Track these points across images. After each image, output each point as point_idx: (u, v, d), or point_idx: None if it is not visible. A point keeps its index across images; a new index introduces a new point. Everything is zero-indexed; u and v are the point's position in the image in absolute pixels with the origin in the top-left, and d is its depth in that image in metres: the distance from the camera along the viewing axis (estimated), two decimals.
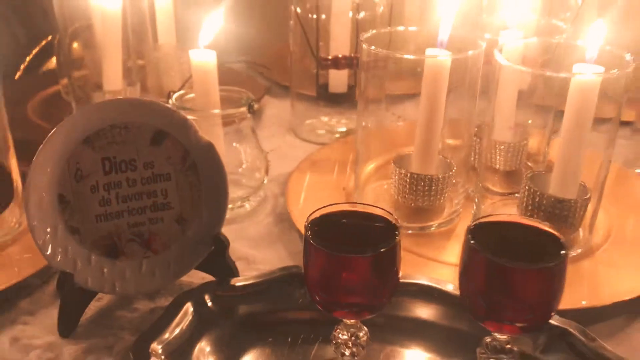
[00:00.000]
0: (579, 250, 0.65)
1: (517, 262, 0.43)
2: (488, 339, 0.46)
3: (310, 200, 0.73)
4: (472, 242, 0.43)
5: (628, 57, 0.61)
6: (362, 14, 0.85)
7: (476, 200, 0.71)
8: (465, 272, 0.45)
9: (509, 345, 0.46)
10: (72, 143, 0.54)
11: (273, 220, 0.72)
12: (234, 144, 0.73)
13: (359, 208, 0.48)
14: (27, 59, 1.24)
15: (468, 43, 0.66)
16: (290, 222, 0.70)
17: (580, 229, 0.67)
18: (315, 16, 0.85)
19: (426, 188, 0.70)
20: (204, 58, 0.69)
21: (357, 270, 0.43)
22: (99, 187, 0.56)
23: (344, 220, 0.48)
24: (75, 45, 0.95)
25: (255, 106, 0.69)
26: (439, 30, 0.66)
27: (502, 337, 0.46)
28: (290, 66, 0.92)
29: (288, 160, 0.84)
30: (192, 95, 0.70)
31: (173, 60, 1.03)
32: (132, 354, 0.49)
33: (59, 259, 0.54)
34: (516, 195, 0.70)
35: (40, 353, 0.53)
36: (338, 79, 0.88)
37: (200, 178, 0.59)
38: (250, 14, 1.13)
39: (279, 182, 0.79)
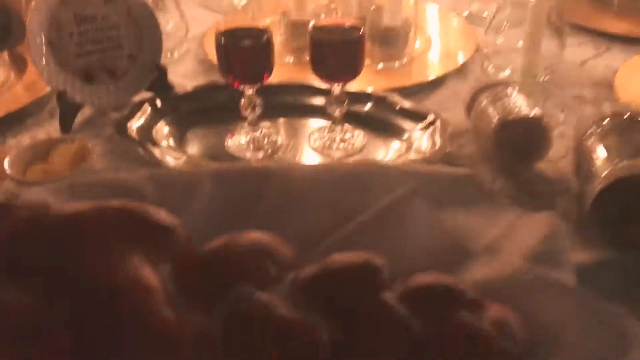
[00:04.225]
0: (405, 60, 0.98)
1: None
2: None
3: None
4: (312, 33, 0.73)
5: None
6: None
7: None
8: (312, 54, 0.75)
9: (343, 97, 0.77)
10: (52, 4, 0.80)
11: (197, 63, 1.01)
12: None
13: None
14: None
15: None
16: (207, 62, 0.98)
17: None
18: None
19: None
20: None
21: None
22: (74, 34, 0.82)
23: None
24: None
25: None
26: None
27: (336, 91, 0.76)
28: None
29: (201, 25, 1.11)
30: None
31: None
32: (115, 128, 0.78)
33: (54, 82, 0.81)
34: None
35: None
36: None
37: (141, 27, 0.86)
38: None
39: (197, 40, 1.07)
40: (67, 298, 0.40)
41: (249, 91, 0.76)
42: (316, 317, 0.42)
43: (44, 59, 0.81)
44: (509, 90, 0.76)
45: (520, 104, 0.73)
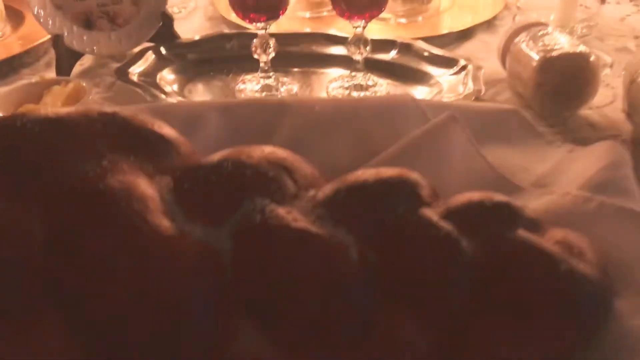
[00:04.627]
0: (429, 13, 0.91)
1: None
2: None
3: None
4: None
5: None
6: None
7: None
8: None
9: (366, 37, 0.70)
10: None
11: (205, 19, 0.94)
12: None
13: None
14: None
15: None
16: (217, 19, 0.92)
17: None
18: None
19: None
20: None
21: None
22: None
23: None
24: None
25: None
26: None
27: (359, 29, 0.69)
28: None
29: None
30: None
31: None
32: (116, 74, 0.71)
33: (50, 26, 0.75)
34: None
35: None
36: None
37: None
38: None
39: None
40: (45, 201, 0.33)
41: (262, 31, 0.69)
42: (342, 233, 0.35)
43: (40, 1, 0.74)
44: (550, 29, 0.68)
45: (563, 41, 0.65)
